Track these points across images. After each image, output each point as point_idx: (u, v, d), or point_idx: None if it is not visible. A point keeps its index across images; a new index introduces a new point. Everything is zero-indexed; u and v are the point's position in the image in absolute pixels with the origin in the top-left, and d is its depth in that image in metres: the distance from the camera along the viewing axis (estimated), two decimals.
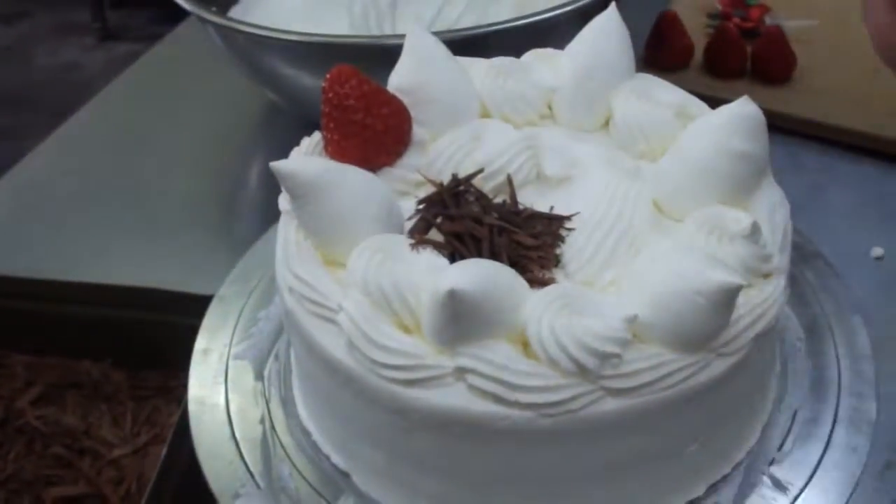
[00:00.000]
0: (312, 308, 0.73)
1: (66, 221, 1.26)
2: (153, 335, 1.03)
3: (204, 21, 1.20)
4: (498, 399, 0.66)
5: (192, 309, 0.94)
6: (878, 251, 1.11)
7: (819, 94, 1.33)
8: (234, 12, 1.36)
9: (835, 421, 0.82)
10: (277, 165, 0.73)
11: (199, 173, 1.34)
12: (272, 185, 0.77)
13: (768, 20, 1.48)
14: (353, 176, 0.76)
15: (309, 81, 1.17)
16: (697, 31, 1.47)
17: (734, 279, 0.65)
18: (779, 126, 1.28)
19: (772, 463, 0.79)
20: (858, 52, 1.40)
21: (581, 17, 0.92)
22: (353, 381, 0.70)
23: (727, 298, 0.66)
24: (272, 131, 1.40)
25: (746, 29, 1.47)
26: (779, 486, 0.77)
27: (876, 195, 1.21)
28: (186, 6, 1.20)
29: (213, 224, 1.25)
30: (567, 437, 0.67)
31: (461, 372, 0.67)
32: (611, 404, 0.66)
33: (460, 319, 0.65)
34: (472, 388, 0.66)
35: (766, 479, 0.78)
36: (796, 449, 0.80)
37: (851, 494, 0.77)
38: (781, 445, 0.81)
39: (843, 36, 1.45)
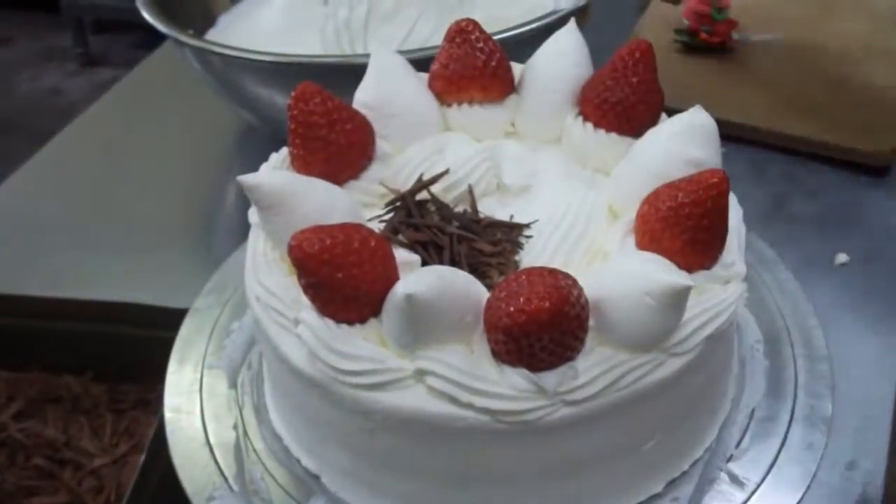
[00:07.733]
0: (276, 317, 0.74)
1: (47, 240, 1.26)
2: (132, 349, 1.04)
3: (180, 44, 1.21)
4: (455, 401, 0.67)
5: (170, 323, 0.95)
6: (842, 258, 1.12)
7: (783, 106, 1.36)
8: (211, 35, 1.37)
9: (791, 419, 0.83)
10: (244, 178, 0.75)
11: (176, 192, 1.35)
12: (247, 203, 0.79)
13: (735, 35, 1.50)
14: (317, 188, 0.77)
15: (282, 101, 1.14)
16: (665, 46, 1.49)
17: (682, 281, 0.66)
18: (743, 136, 1.31)
19: (729, 459, 0.80)
20: (822, 65, 1.45)
21: (547, 34, 0.94)
22: (317, 387, 0.71)
23: (676, 299, 0.67)
24: (247, 150, 1.40)
25: (714, 44, 1.49)
26: (736, 481, 0.79)
27: (839, 203, 1.23)
28: (162, 29, 1.21)
29: (191, 241, 1.26)
30: (524, 438, 0.68)
31: (421, 374, 0.68)
32: (567, 410, 0.67)
33: (418, 323, 0.67)
34: (431, 389, 0.67)
35: (723, 475, 0.79)
36: (753, 446, 0.81)
37: (807, 489, 0.78)
38: (739, 443, 0.82)
39: (808, 50, 1.48)
